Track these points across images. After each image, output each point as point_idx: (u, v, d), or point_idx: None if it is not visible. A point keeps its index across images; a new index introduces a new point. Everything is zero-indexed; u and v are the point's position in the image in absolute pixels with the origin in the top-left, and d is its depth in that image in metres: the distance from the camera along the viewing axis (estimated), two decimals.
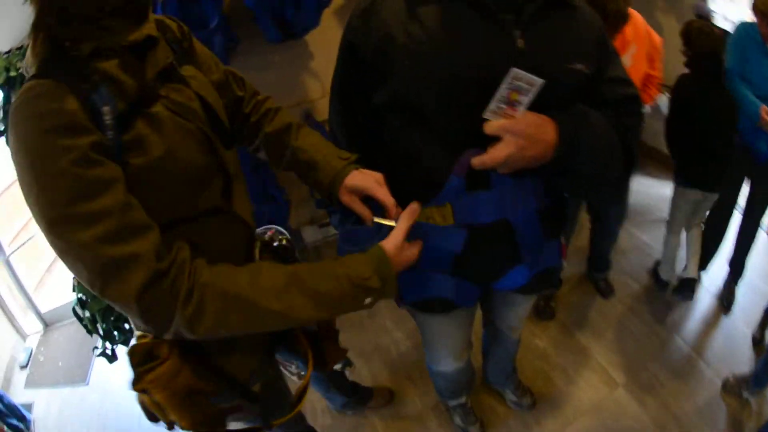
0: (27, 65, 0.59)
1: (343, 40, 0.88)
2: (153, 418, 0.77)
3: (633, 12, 1.69)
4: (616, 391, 1.84)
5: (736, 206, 2.12)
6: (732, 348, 1.99)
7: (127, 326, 1.88)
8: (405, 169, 0.89)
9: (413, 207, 0.79)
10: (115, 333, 1.86)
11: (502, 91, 0.73)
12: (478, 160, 0.78)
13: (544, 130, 0.76)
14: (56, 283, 3.17)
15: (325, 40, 2.62)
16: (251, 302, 0.62)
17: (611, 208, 2.05)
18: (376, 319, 2.33)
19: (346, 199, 0.84)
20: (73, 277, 1.91)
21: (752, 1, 1.62)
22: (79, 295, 1.82)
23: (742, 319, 2.12)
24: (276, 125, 0.90)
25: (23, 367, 2.78)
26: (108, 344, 1.89)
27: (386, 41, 0.79)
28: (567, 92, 0.81)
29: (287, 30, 1.93)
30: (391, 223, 0.79)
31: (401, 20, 0.78)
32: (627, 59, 1.72)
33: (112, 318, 1.83)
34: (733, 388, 1.73)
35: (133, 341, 0.74)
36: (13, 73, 1.59)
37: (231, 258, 0.67)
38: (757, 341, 2.00)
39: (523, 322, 1.39)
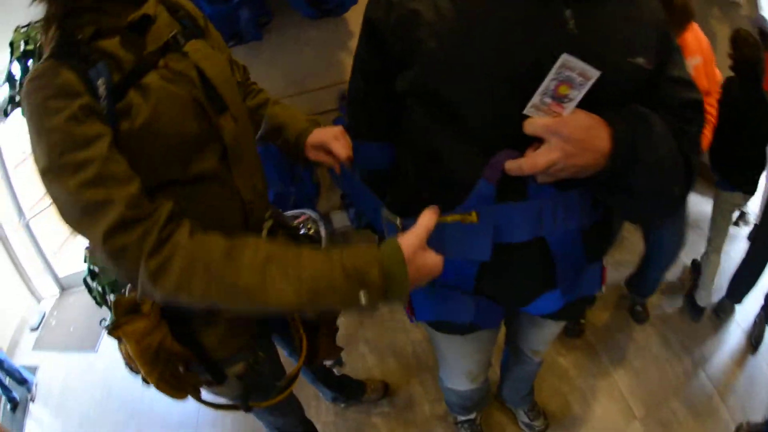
0: (41, 53, 0.66)
1: (364, 15, 0.77)
2: (130, 368, 0.83)
3: (693, 23, 1.58)
4: (632, 425, 1.73)
5: None
6: (752, 391, 1.84)
7: None
8: (426, 169, 0.77)
9: (434, 208, 0.68)
10: None
11: (549, 82, 0.60)
12: (514, 165, 0.65)
13: (597, 134, 0.63)
14: (78, 249, 3.19)
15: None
16: (218, 271, 0.59)
17: (666, 231, 1.84)
18: (396, 315, 2.22)
19: (312, 155, 0.89)
20: (86, 248, 1.91)
21: None
22: (91, 266, 1.80)
23: (766, 361, 1.97)
24: (256, 101, 0.99)
25: (34, 329, 2.82)
26: None
27: (409, 18, 0.67)
28: (623, 91, 0.67)
29: (322, 5, 1.83)
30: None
31: None
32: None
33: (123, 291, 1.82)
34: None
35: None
36: (30, 47, 1.59)
37: (224, 229, 0.64)
38: None
39: (548, 345, 1.26)
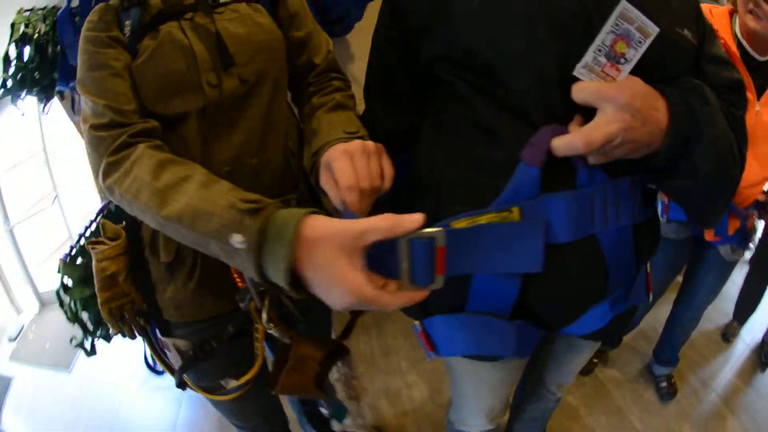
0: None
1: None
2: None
3: None
4: None
5: None
6: (762, 408, 1.75)
7: None
8: (452, 155, 0.65)
9: (414, 217, 0.48)
10: (98, 327, 1.74)
11: (606, 35, 0.51)
12: (562, 142, 0.53)
13: (655, 105, 0.53)
14: None
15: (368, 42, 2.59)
16: (142, 175, 0.61)
17: (707, 277, 1.50)
18: (390, 358, 2.09)
19: (322, 179, 0.64)
20: (60, 258, 1.80)
21: None
22: (63, 279, 1.70)
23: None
24: (323, 99, 0.81)
25: (12, 340, 2.73)
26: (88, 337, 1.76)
27: None
28: (671, 66, 0.59)
29: (327, 16, 1.77)
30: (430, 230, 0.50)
31: None
32: None
33: (97, 310, 1.71)
34: None
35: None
36: (29, 30, 1.58)
37: None
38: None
39: (574, 377, 1.08)
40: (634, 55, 0.52)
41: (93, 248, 0.81)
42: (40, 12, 1.67)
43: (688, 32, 0.60)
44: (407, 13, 0.65)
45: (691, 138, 0.55)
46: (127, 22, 0.73)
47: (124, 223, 0.83)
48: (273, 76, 0.79)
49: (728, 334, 2.03)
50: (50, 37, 1.66)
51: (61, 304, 1.73)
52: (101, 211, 1.91)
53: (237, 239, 0.50)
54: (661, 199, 1.29)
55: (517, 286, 0.64)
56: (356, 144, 0.62)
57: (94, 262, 0.80)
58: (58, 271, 1.73)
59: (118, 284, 0.80)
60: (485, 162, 0.61)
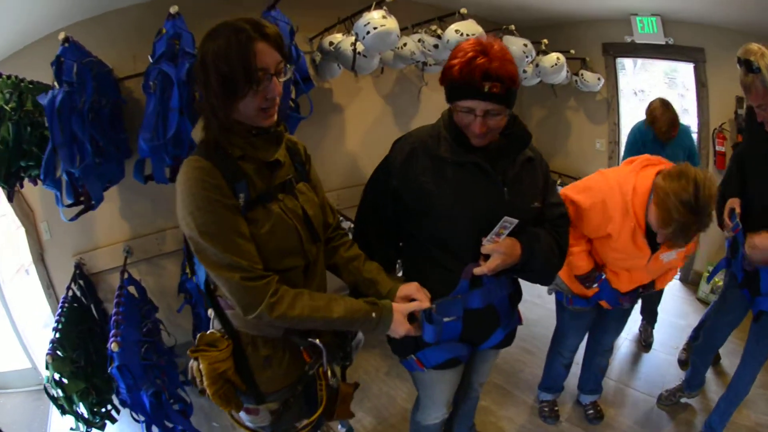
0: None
1: (384, 182, 1.25)
2: (194, 383, 1.13)
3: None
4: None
5: None
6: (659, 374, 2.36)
7: (104, 410, 1.84)
8: (427, 273, 1.28)
9: (425, 303, 1.18)
10: (95, 417, 1.81)
11: (496, 228, 1.16)
12: (479, 270, 1.19)
13: (515, 247, 1.19)
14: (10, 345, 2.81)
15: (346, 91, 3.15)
16: (306, 301, 1.03)
17: (610, 324, 1.95)
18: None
19: (397, 303, 1.19)
20: (47, 353, 1.84)
21: None
22: (54, 375, 1.75)
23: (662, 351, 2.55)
24: (350, 253, 1.29)
25: None
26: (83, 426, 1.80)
27: (423, 190, 1.18)
28: (528, 219, 1.24)
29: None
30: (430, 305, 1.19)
31: (431, 176, 1.19)
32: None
33: (92, 400, 1.80)
34: (668, 398, 2.17)
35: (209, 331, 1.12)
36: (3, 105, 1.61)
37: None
38: (683, 362, 2.46)
39: (488, 377, 1.73)
40: (507, 232, 1.16)
41: (203, 355, 1.07)
42: (7, 80, 1.70)
43: (537, 203, 1.25)
44: (400, 197, 1.24)
45: (532, 256, 1.21)
46: (241, 195, 0.98)
47: (218, 332, 1.12)
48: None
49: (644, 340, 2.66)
50: (28, 120, 1.68)
51: (53, 398, 1.75)
52: (62, 308, 2.00)
53: (373, 315, 1.10)
54: (566, 297, 1.81)
55: (460, 326, 1.30)
56: (416, 285, 1.21)
57: (204, 365, 1.06)
58: (47, 368, 1.78)
59: (227, 376, 1.08)
60: (443, 278, 1.26)
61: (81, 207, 1.90)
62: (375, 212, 1.32)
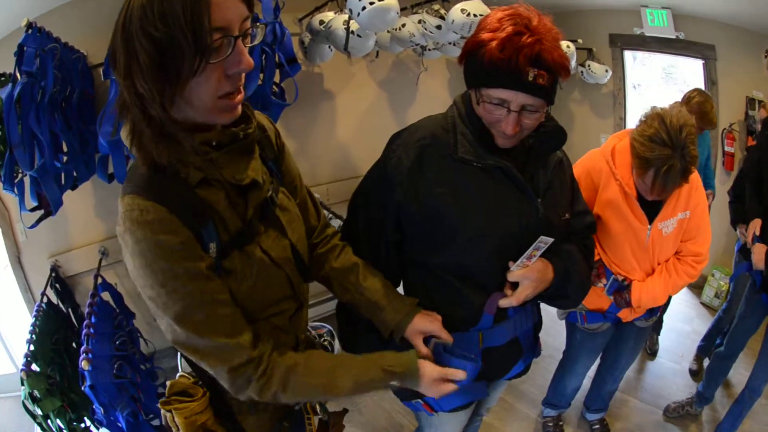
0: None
1: (383, 196, 0.97)
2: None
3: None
4: None
5: None
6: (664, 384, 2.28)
7: (83, 425, 1.76)
8: (443, 304, 1.02)
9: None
10: None
11: (529, 251, 0.93)
12: (506, 302, 0.97)
13: (546, 272, 0.99)
14: None
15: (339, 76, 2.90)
16: (303, 377, 0.81)
17: (626, 346, 1.79)
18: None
19: (416, 339, 0.96)
20: (22, 369, 1.74)
21: None
22: (30, 390, 1.66)
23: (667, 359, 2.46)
24: (343, 262, 1.01)
25: None
26: None
27: (441, 206, 0.93)
28: (560, 232, 1.02)
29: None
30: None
31: (449, 186, 0.92)
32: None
33: (68, 417, 1.71)
34: (675, 411, 2.11)
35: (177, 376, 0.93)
36: None
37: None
38: (694, 372, 2.38)
39: (496, 401, 1.55)
40: (539, 254, 0.95)
41: (177, 409, 0.86)
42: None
43: (567, 214, 1.05)
44: (408, 216, 0.97)
45: (567, 281, 1.01)
46: (212, 245, 0.71)
47: (189, 376, 0.92)
48: None
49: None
50: None
51: (32, 415, 1.69)
52: (35, 317, 1.87)
53: (395, 383, 0.87)
54: (578, 313, 1.67)
55: (479, 366, 1.01)
56: (439, 318, 0.98)
57: (180, 419, 0.87)
58: (22, 384, 1.69)
59: (207, 427, 0.90)
60: (458, 313, 1.02)
61: (42, 212, 1.74)
62: (369, 237, 1.03)
